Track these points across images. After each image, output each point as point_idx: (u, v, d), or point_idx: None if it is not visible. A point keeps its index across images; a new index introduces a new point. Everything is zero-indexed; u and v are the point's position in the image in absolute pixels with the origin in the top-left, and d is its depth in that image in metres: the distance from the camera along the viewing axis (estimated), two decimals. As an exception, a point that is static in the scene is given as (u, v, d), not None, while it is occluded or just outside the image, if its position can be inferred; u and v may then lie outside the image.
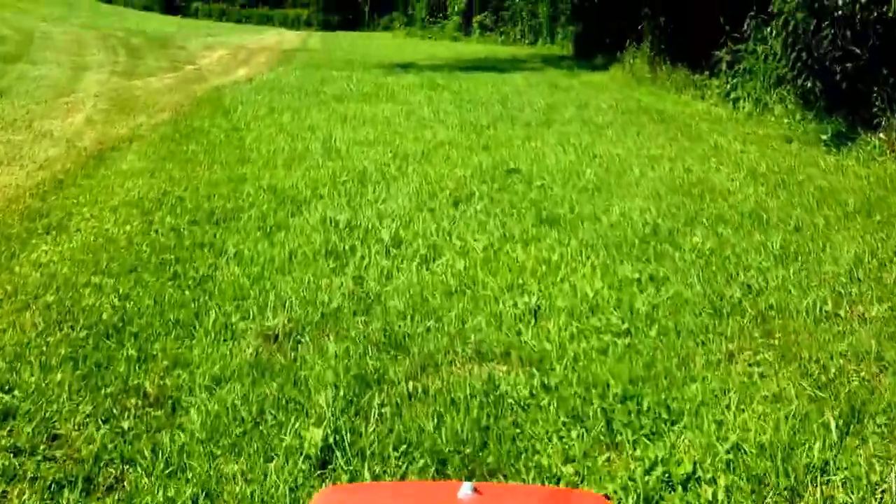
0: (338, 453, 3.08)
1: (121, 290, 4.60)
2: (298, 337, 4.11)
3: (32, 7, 34.99)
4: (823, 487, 2.94)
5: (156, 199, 6.49)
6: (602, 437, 3.24)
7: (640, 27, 17.62)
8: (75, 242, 5.41)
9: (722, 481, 2.94)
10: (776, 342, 4.14)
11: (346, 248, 5.40)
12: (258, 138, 9.24)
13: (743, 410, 3.44)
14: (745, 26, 12.57)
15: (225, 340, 4.05)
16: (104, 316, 4.26)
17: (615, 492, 2.90)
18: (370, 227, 5.84)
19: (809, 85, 10.18)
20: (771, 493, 2.91)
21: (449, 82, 15.41)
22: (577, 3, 24.66)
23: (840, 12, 9.09)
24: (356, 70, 17.49)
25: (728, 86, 12.63)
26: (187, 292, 4.60)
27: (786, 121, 10.50)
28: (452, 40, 30.76)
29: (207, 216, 6.04)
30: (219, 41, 24.09)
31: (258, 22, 58.19)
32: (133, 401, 3.44)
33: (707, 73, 13.78)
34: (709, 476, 2.98)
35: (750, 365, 3.93)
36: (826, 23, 9.78)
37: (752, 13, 12.38)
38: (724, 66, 13.06)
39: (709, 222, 6.06)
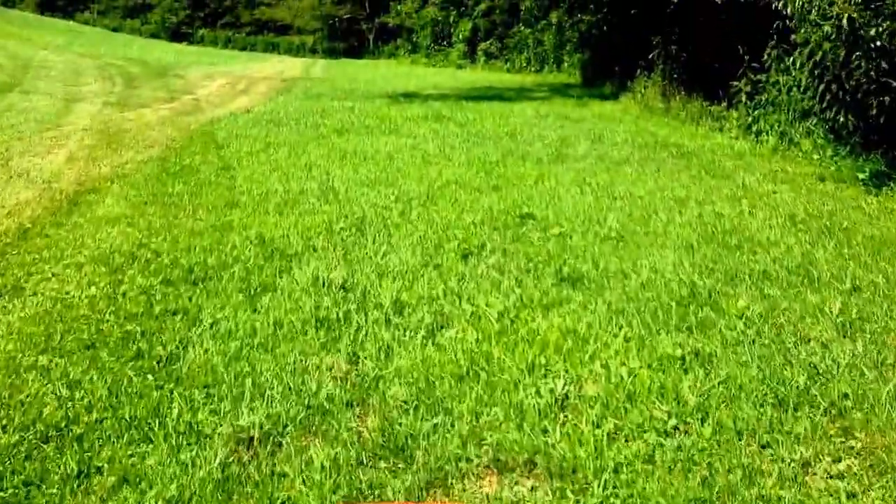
0: None
1: (71, 375, 3.86)
2: (278, 440, 3.37)
3: (37, 36, 34.54)
4: None
5: (129, 252, 5.77)
6: None
7: (651, 56, 16.99)
8: (28, 310, 4.68)
9: None
10: (858, 445, 3.39)
11: (341, 315, 4.66)
12: (250, 178, 8.54)
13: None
14: (766, 56, 11.91)
15: (188, 445, 3.31)
16: (45, 412, 3.52)
17: None
18: (368, 287, 5.10)
19: (841, 119, 9.47)
20: None
21: (455, 113, 14.74)
22: (585, 31, 24.11)
23: (878, 42, 8.38)
24: (359, 100, 16.85)
25: (749, 118, 11.93)
26: (150, 377, 3.86)
27: (815, 157, 9.78)
28: (457, 68, 30.20)
29: (185, 274, 5.31)
30: (220, 70, 23.52)
31: (263, 49, 57.99)
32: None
33: (725, 104, 13.11)
34: None
35: (831, 477, 3.18)
36: (858, 53, 9.09)
37: (773, 42, 11.73)
38: (743, 98, 12.38)
39: (752, 280, 5.31)
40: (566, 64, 26.77)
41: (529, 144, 11.45)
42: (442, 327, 4.54)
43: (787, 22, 10.70)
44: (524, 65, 28.58)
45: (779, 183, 8.57)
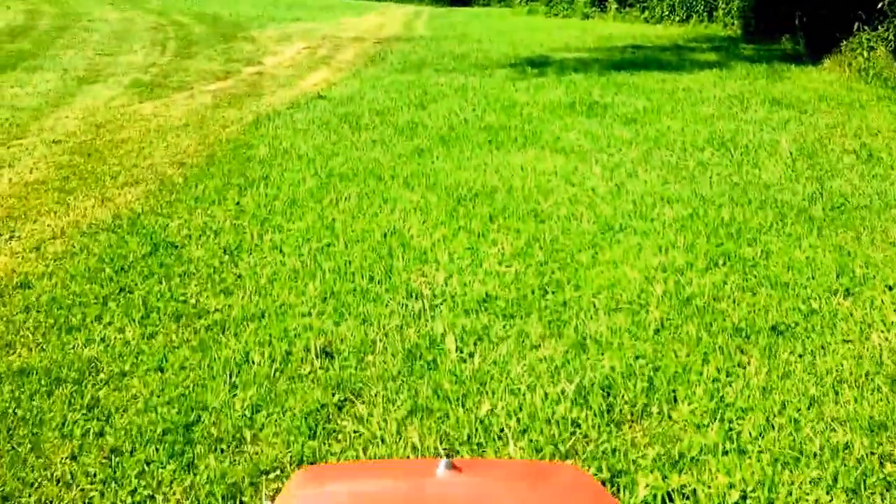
0: None
1: None
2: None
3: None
4: None
5: None
6: None
7: (880, 4, 11.78)
8: None
9: None
10: None
11: None
12: (266, 286, 4.19)
13: None
14: None
15: None
16: None
17: None
18: None
19: None
20: None
21: (609, 95, 10.00)
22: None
23: None
24: (472, 72, 12.22)
25: None
26: None
27: None
28: (583, 18, 25.00)
29: None
30: (304, 28, 19.10)
31: (367, -3, 53.56)
32: None
33: None
34: None
35: None
36: None
37: None
38: None
39: None
40: (720, 11, 21.39)
41: (757, 166, 6.71)
42: None
43: None
44: (665, 13, 23.21)
45: None
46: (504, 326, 3.81)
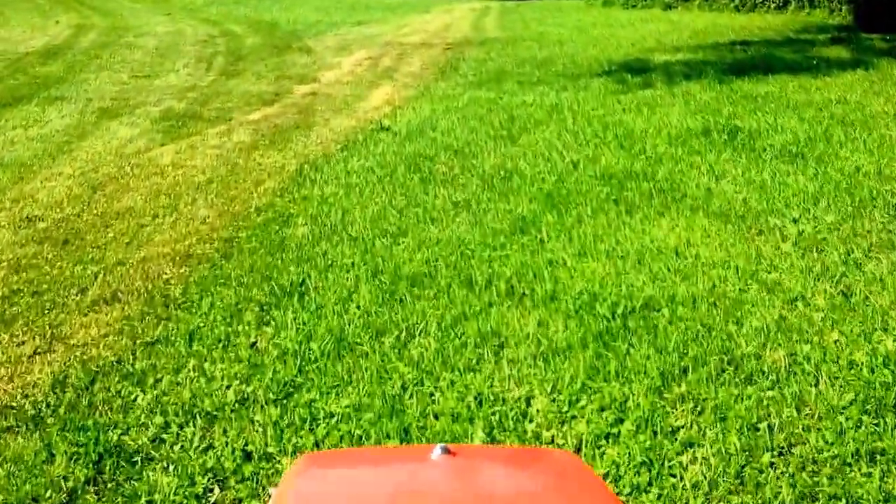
0: None
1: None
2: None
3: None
4: None
5: None
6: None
7: None
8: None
9: None
10: None
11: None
12: None
13: None
14: None
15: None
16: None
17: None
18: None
19: None
20: None
21: (747, 114, 7.60)
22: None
23: None
24: (562, 83, 9.92)
25: None
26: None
27: None
28: (665, 9, 22.32)
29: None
30: (364, 34, 16.95)
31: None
32: None
33: None
34: None
35: None
36: None
37: None
38: None
39: None
40: (825, -4, 18.67)
41: None
42: None
43: None
44: (758, 1, 20.51)
45: None
46: None
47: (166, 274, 4.36)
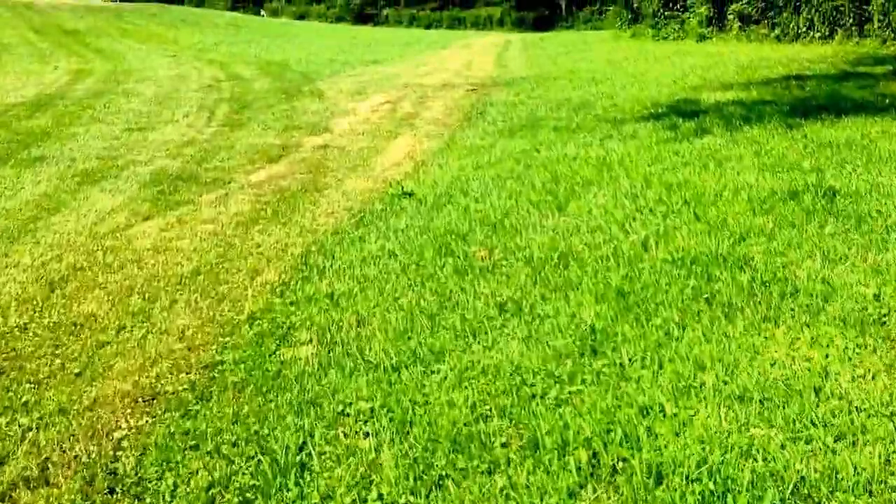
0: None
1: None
2: None
3: (185, 35, 28.50)
4: None
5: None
6: None
7: None
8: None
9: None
10: None
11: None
12: None
13: None
14: None
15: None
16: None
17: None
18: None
19: None
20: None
21: (836, 169, 6.43)
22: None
23: None
24: (603, 130, 8.82)
25: None
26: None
27: None
28: (699, 40, 21.26)
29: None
30: (381, 74, 15.94)
31: (448, 26, 51.45)
32: None
33: None
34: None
35: None
36: None
37: None
38: None
39: None
40: (875, 23, 17.56)
41: None
42: None
43: None
44: (802, 30, 19.38)
45: None
46: None
47: (120, 429, 3.25)
